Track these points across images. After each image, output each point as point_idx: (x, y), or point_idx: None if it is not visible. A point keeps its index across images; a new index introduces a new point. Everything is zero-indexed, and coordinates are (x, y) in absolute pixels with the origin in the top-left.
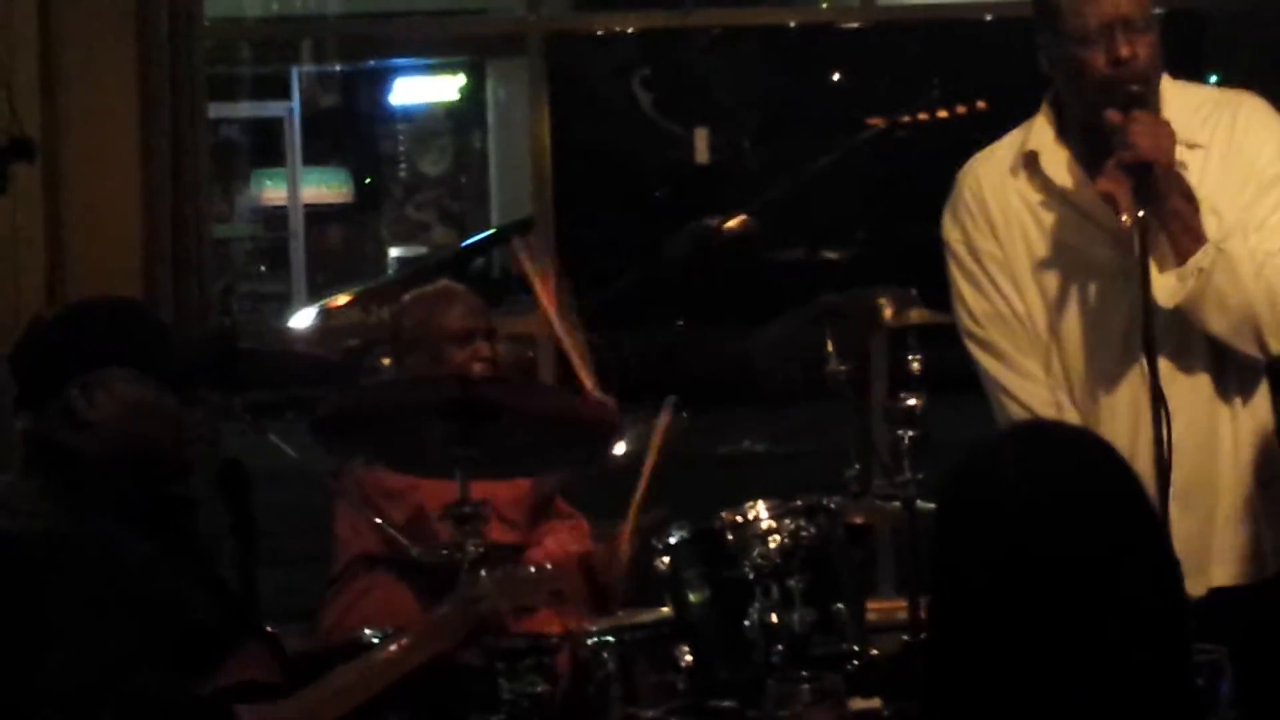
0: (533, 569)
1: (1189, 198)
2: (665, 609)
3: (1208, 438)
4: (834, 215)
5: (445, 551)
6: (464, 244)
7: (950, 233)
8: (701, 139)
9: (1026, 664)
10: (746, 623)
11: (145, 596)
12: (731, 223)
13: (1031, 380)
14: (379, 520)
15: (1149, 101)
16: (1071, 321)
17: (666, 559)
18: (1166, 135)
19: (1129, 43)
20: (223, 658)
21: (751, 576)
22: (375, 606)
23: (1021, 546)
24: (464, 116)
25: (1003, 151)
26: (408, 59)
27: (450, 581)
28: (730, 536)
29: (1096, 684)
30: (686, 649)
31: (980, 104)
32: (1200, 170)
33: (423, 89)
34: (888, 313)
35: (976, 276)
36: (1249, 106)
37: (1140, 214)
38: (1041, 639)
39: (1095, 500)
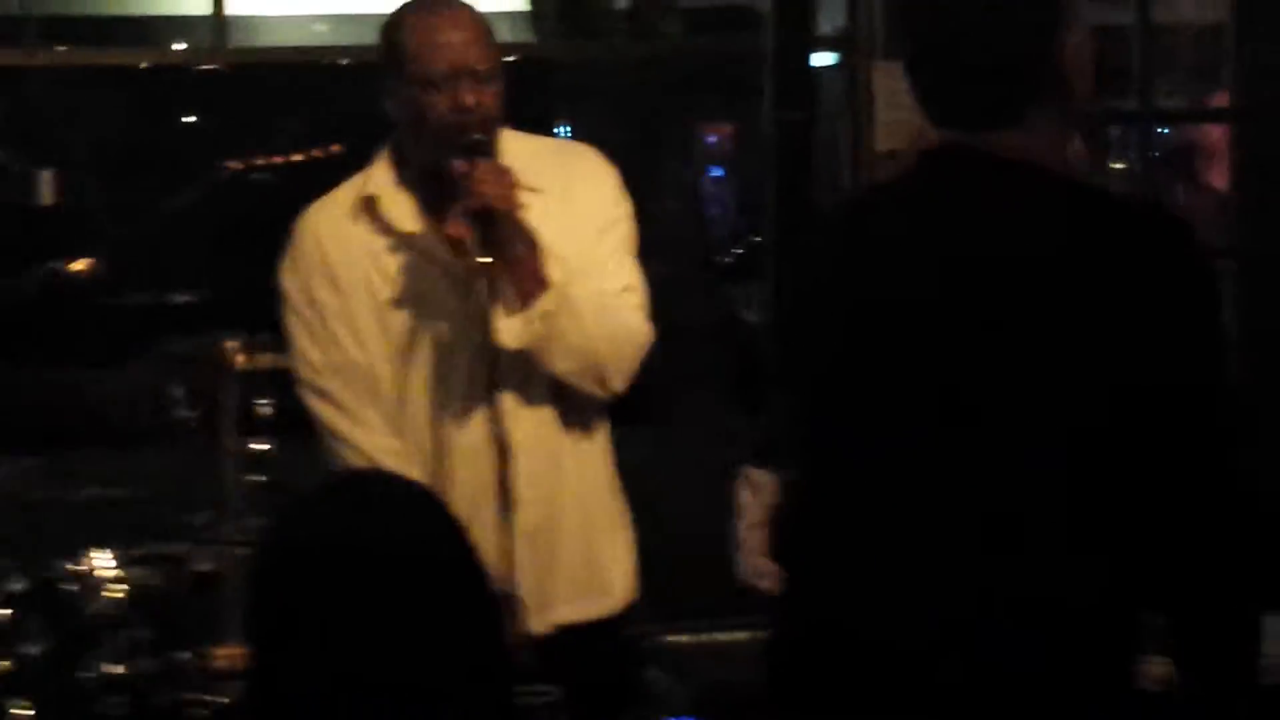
0: None
1: (532, 244)
2: (4, 663)
3: (552, 477)
4: (186, 258)
5: None
6: None
7: (288, 283)
8: (47, 180)
9: (347, 713)
10: (88, 674)
11: None
12: (77, 265)
13: (371, 429)
14: None
15: (490, 150)
16: (418, 366)
17: (6, 610)
18: (509, 183)
19: (474, 91)
20: None
21: (94, 626)
22: None
23: (337, 597)
24: None
25: (341, 199)
26: None
27: None
28: (72, 586)
29: None
30: (25, 703)
31: (335, 147)
32: (541, 215)
33: None
34: (238, 357)
35: (314, 328)
36: (585, 156)
37: (485, 260)
38: (357, 687)
39: (412, 550)
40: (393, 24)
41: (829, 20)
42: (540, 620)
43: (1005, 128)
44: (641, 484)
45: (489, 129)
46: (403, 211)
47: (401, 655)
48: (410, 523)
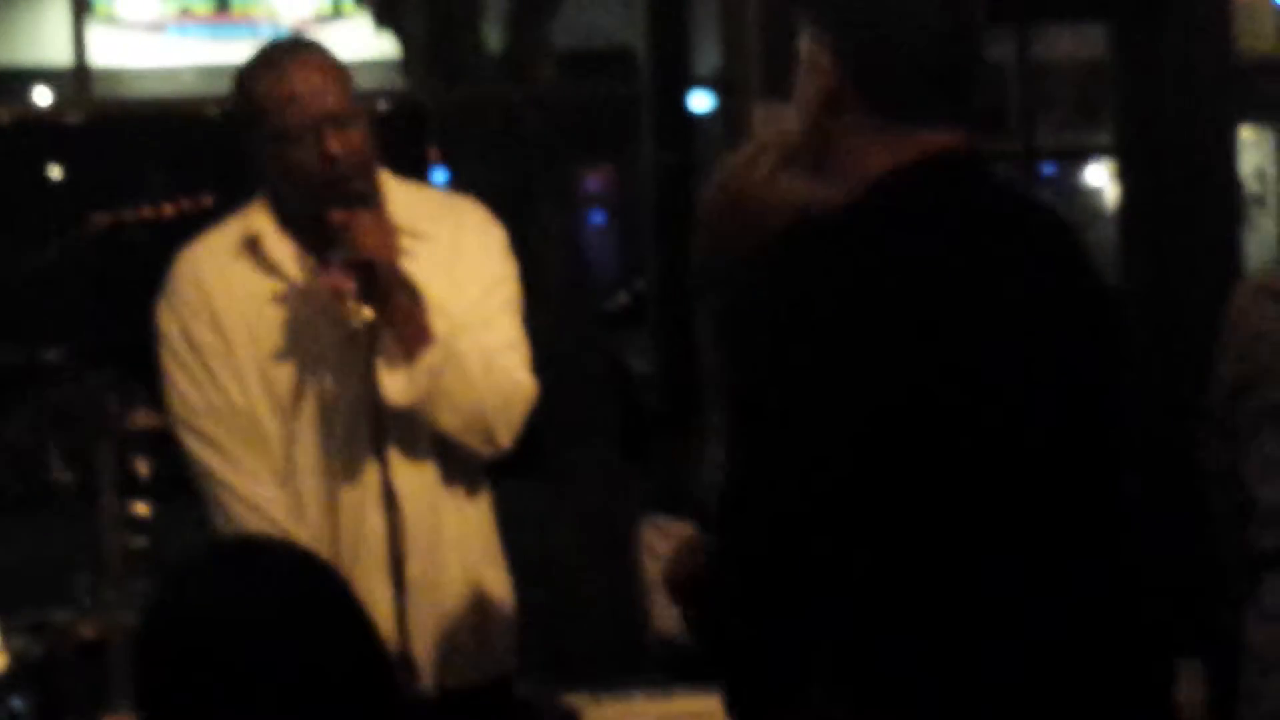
0: None
1: (414, 295)
2: None
3: (434, 534)
4: (56, 315)
5: None
6: None
7: (166, 324)
8: None
9: None
10: None
11: None
12: None
13: (252, 476)
14: None
15: (370, 197)
16: (305, 416)
17: None
18: (390, 234)
19: (338, 138)
20: None
21: None
22: None
23: (227, 665)
24: None
25: (222, 238)
26: None
27: None
28: None
29: None
30: None
31: (206, 199)
32: (426, 265)
33: None
34: (115, 416)
35: (193, 369)
36: (472, 210)
37: (367, 312)
38: None
39: (302, 615)
40: (244, 77)
41: (705, 63)
42: (431, 680)
43: (963, 125)
44: (531, 537)
45: (364, 174)
46: (286, 255)
47: None
48: (299, 589)
